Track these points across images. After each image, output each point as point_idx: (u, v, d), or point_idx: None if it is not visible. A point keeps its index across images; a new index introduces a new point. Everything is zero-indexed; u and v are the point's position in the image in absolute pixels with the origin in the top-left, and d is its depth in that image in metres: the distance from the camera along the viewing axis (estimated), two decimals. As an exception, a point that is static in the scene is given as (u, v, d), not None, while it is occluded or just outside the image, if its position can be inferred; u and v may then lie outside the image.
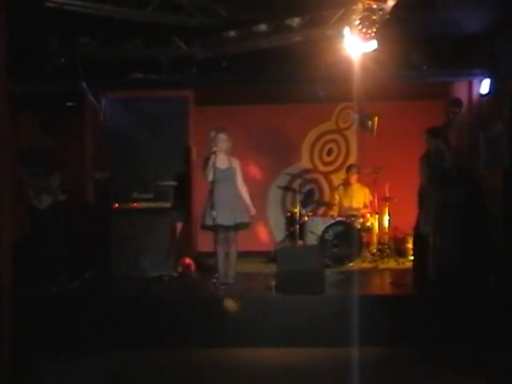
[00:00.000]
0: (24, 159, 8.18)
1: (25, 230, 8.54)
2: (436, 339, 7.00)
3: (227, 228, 7.99)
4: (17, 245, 7.98)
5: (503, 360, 6.51)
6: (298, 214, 10.50)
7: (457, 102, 8.44)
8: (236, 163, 8.13)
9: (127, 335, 7.09)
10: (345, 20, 7.49)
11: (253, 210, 8.16)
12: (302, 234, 10.42)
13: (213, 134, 8.06)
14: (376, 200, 10.90)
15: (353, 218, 10.51)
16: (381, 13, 7.07)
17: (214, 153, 7.93)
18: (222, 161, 8.02)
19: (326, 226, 10.19)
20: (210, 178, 7.88)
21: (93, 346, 6.92)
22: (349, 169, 11.32)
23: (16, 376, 3.39)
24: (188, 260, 9.57)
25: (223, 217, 7.84)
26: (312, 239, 10.24)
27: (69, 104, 10.18)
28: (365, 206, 11.06)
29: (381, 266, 10.03)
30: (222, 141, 8.01)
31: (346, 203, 11.11)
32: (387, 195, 10.78)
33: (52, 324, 7.13)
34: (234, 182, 8.07)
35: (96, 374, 6.21)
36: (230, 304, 7.28)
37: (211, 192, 7.89)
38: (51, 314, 7.26)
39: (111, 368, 6.41)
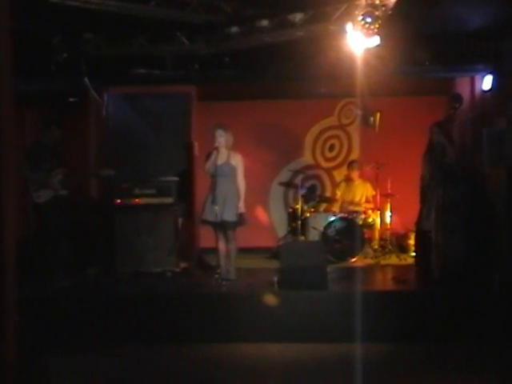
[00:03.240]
0: (28, 154, 8.22)
1: (29, 227, 8.56)
2: (438, 336, 7.01)
3: (215, 224, 8.02)
4: (21, 241, 8.03)
5: (506, 359, 6.50)
6: (299, 210, 10.51)
7: (456, 98, 8.46)
8: (237, 159, 8.15)
9: (131, 332, 7.10)
10: (347, 15, 7.48)
11: (241, 208, 8.14)
12: (303, 230, 10.42)
13: (212, 130, 8.12)
14: (378, 196, 10.90)
15: (355, 214, 10.51)
16: (384, 8, 7.07)
17: (216, 149, 7.97)
18: (221, 157, 8.08)
19: (327, 221, 10.20)
20: (210, 170, 7.96)
21: (96, 343, 6.92)
22: (350, 165, 11.33)
23: (21, 375, 3.39)
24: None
25: (211, 213, 7.89)
26: (314, 235, 10.25)
27: (71, 100, 10.19)
28: (367, 201, 11.07)
29: (383, 262, 10.04)
30: (219, 136, 8.07)
31: (347, 199, 11.12)
32: (389, 191, 10.76)
33: (54, 322, 7.13)
34: (230, 178, 8.10)
35: (101, 372, 6.22)
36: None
37: (210, 187, 7.99)
38: (54, 311, 7.27)
39: (116, 365, 6.43)
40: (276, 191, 12.04)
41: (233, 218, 8.03)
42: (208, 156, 8.07)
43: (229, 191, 8.03)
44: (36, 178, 8.09)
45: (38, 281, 7.87)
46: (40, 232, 8.25)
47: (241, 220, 8.12)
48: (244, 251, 8.59)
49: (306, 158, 12.26)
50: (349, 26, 7.40)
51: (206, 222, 8.13)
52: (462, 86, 9.97)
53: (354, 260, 10.03)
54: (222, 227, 8.07)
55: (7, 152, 4.17)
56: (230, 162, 8.10)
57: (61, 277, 8.05)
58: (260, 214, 11.50)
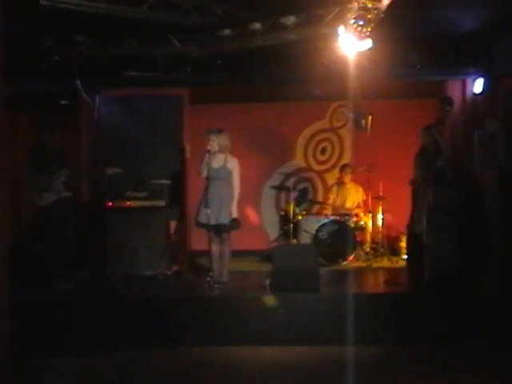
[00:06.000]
0: (30, 157, 8.22)
1: (23, 229, 8.55)
2: (430, 338, 7.01)
3: (212, 227, 8.02)
4: (16, 243, 8.02)
5: (498, 359, 6.52)
6: (291, 213, 10.51)
7: (447, 101, 8.50)
8: (233, 163, 8.13)
9: (124, 335, 7.08)
10: (340, 19, 7.49)
11: (234, 213, 8.12)
12: (295, 233, 10.42)
13: (206, 134, 8.13)
14: (370, 199, 10.92)
15: (346, 217, 10.52)
16: (376, 12, 7.07)
17: (208, 152, 7.97)
18: (217, 160, 8.05)
19: (319, 224, 10.21)
20: (204, 174, 7.96)
21: (89, 345, 6.89)
22: (342, 169, 11.33)
23: (14, 376, 3.38)
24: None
25: (208, 215, 7.87)
26: (306, 238, 10.25)
27: (62, 102, 10.16)
28: (358, 206, 11.09)
29: (374, 265, 10.06)
30: (211, 141, 8.05)
31: (339, 203, 11.14)
32: (381, 194, 10.79)
33: (49, 323, 7.11)
34: (227, 181, 8.08)
35: (93, 374, 6.19)
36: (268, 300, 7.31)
37: (205, 190, 7.96)
38: (48, 313, 7.24)
39: (108, 368, 6.40)
40: (268, 194, 12.04)
41: (226, 220, 8.03)
42: (203, 158, 8.07)
43: (224, 194, 8.02)
44: (38, 180, 8.08)
45: (36, 283, 7.87)
46: (41, 235, 8.23)
47: (235, 224, 8.12)
48: (236, 254, 8.57)
49: (298, 161, 12.28)
50: (341, 29, 7.41)
51: (200, 225, 8.11)
52: (454, 89, 10.00)
53: (345, 263, 10.04)
54: (216, 230, 8.07)
55: (0, 151, 4.17)
56: (227, 166, 8.09)
57: (61, 279, 8.03)
58: (252, 216, 11.50)
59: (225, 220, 8.00)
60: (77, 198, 9.27)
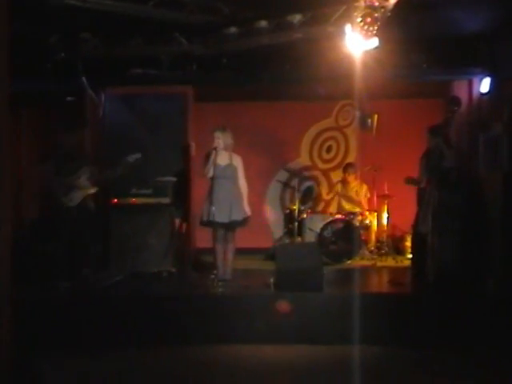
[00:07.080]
0: (51, 158, 8.22)
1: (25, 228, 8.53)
2: (433, 340, 6.98)
3: (223, 225, 8.02)
4: (17, 242, 8.00)
5: (500, 361, 6.49)
6: (296, 211, 10.50)
7: (455, 101, 8.45)
8: (238, 160, 8.18)
9: (126, 333, 7.06)
10: (346, 17, 7.47)
11: (247, 211, 8.16)
12: (300, 232, 10.42)
13: (211, 132, 8.12)
14: (375, 198, 10.91)
15: (351, 216, 10.51)
16: (383, 10, 7.05)
17: (215, 149, 7.97)
18: (222, 158, 8.07)
19: (324, 223, 10.20)
20: (210, 174, 7.94)
21: (92, 344, 6.88)
22: (345, 169, 11.32)
23: (15, 376, 3.38)
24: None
25: (219, 214, 7.88)
26: (310, 236, 10.25)
27: (68, 99, 10.16)
28: (363, 204, 11.07)
29: (379, 264, 10.06)
30: (217, 139, 8.08)
31: (344, 201, 11.13)
32: (386, 193, 10.78)
33: (51, 322, 7.10)
34: (233, 179, 8.12)
35: (96, 373, 6.20)
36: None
37: (210, 188, 7.94)
38: (51, 312, 7.23)
39: (111, 366, 6.40)
40: (273, 192, 12.05)
41: (240, 217, 8.10)
42: (206, 157, 8.06)
43: (232, 192, 8.07)
44: (63, 181, 8.07)
45: (36, 283, 7.87)
46: (70, 234, 8.22)
47: (247, 221, 8.17)
48: (240, 252, 8.58)
49: (303, 160, 12.27)
50: (347, 28, 7.39)
51: (207, 223, 8.10)
52: (460, 89, 9.96)
53: (350, 262, 10.03)
54: (227, 227, 8.08)
55: (3, 150, 4.17)
56: (232, 164, 8.13)
57: (61, 278, 8.02)
58: (256, 215, 11.49)
59: (238, 217, 8.08)
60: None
